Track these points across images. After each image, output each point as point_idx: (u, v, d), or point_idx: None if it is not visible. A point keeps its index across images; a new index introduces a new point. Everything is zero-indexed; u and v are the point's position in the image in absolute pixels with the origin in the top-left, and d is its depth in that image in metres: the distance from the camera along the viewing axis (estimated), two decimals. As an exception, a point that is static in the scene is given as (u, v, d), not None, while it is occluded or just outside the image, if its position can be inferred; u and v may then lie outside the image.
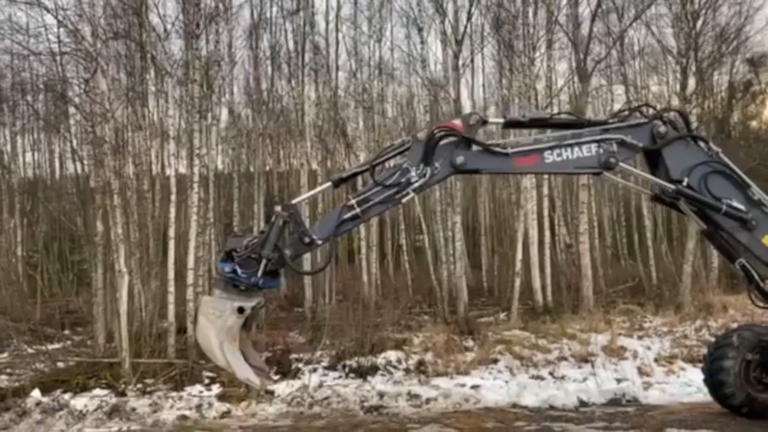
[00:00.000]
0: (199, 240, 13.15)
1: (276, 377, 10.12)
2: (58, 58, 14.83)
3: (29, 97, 21.12)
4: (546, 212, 17.04)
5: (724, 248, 6.98)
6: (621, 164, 6.42)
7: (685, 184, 6.45)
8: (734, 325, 9.40)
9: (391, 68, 24.15)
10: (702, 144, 6.73)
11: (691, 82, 18.02)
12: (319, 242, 6.08)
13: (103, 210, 12.20)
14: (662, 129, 6.48)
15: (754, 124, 28.71)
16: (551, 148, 6.30)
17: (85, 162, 14.60)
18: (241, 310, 5.73)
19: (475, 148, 6.23)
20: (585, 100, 18.23)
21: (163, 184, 16.80)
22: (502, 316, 15.05)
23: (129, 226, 12.62)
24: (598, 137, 6.34)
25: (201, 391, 9.22)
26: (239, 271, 5.83)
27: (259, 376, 6.07)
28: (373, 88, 21.77)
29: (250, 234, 7.29)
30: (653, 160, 6.71)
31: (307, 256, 13.23)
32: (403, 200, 6.30)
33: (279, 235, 5.91)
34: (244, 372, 5.74)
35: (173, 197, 12.97)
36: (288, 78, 19.94)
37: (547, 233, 17.37)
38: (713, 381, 7.65)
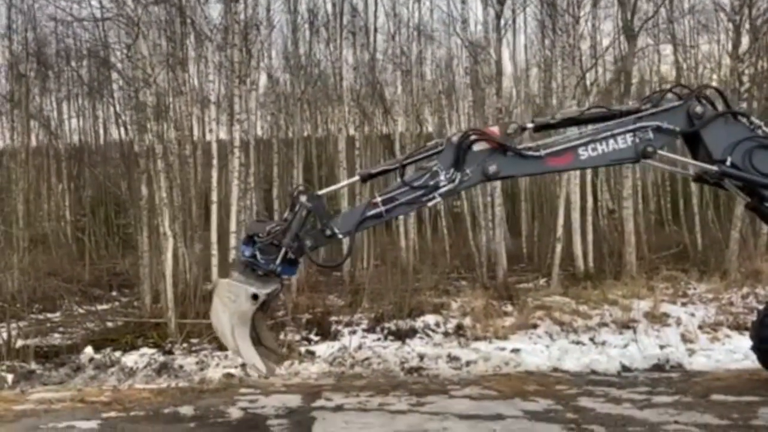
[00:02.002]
0: (240, 204, 13.36)
1: (316, 338, 10.37)
2: (100, 24, 15.02)
3: (73, 63, 21.50)
4: (588, 177, 16.70)
5: None
6: (660, 151, 6.21)
7: (728, 163, 6.19)
8: (784, 292, 9.14)
9: (430, 29, 23.74)
10: (743, 119, 6.41)
11: (745, 41, 17.24)
12: (341, 236, 6.11)
13: (147, 174, 12.46)
14: (699, 109, 6.20)
15: (810, 84, 27.33)
16: (585, 143, 6.12)
17: (129, 127, 14.88)
18: (255, 297, 5.82)
19: (509, 154, 6.07)
20: (631, 61, 17.61)
21: (204, 149, 17.05)
22: (541, 282, 14.94)
23: (172, 190, 12.88)
24: (632, 126, 6.13)
25: (240, 358, 9.41)
26: (259, 256, 5.94)
27: (269, 360, 6.22)
28: (411, 51, 21.48)
29: (273, 220, 7.36)
30: (693, 142, 6.44)
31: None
32: (429, 204, 6.24)
33: (301, 225, 5.98)
34: (251, 358, 5.88)
35: (215, 162, 13.17)
36: (326, 42, 19.81)
37: (590, 198, 17.08)
38: (762, 348, 7.47)
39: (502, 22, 17.24)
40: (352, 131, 19.50)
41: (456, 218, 21.35)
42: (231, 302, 5.85)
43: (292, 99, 20.70)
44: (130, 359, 9.17)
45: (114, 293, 15.12)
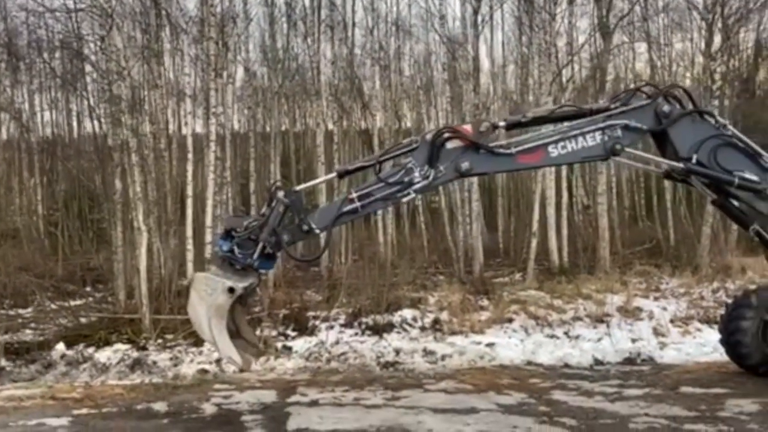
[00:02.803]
0: (216, 199, 13.25)
1: (293, 333, 10.35)
2: (73, 15, 14.75)
3: (45, 55, 21.10)
4: (564, 173, 16.86)
5: (735, 216, 6.98)
6: (628, 149, 6.32)
7: (694, 161, 6.34)
8: (753, 287, 9.31)
9: (408, 25, 23.75)
10: (709, 118, 6.57)
11: (717, 40, 17.53)
12: (317, 231, 6.20)
13: (122, 168, 12.30)
14: (666, 108, 6.34)
15: (780, 83, 27.92)
16: (555, 141, 6.23)
17: (103, 120, 14.66)
18: (231, 290, 5.89)
19: (481, 151, 6.17)
20: (606, 58, 17.82)
21: (179, 143, 16.87)
22: (517, 276, 15.09)
23: (147, 184, 12.73)
24: (601, 125, 6.24)
25: (217, 351, 9.36)
26: (237, 250, 6.00)
27: (248, 353, 6.28)
28: (389, 46, 21.48)
29: (250, 215, 7.47)
30: (661, 140, 6.58)
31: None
32: (404, 200, 6.36)
33: (278, 220, 6.05)
34: (227, 350, 5.91)
35: (190, 156, 13.07)
36: (304, 36, 19.69)
37: (565, 194, 17.27)
38: (730, 341, 7.62)
39: (480, 18, 17.32)
40: (330, 126, 19.47)
41: (434, 213, 21.45)
42: (208, 295, 5.89)
43: (269, 93, 20.57)
44: (103, 355, 9.08)
45: (87, 289, 14.92)
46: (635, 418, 5.89)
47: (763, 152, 6.55)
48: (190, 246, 12.23)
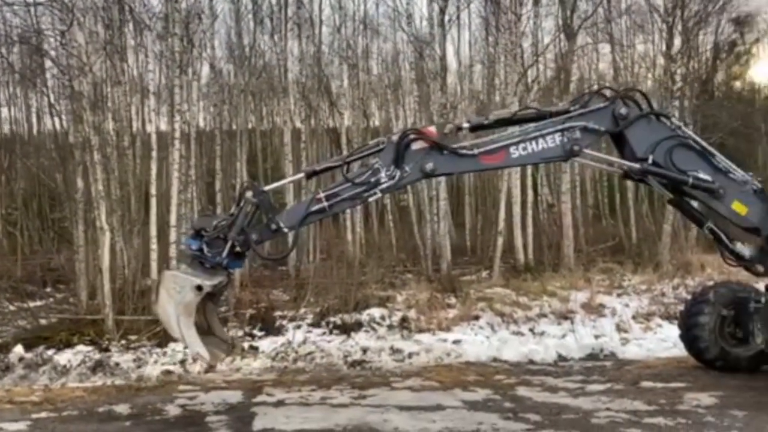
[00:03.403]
0: (181, 197, 13.07)
1: (260, 333, 10.26)
2: (32, 9, 14.37)
3: (3, 50, 20.46)
4: (529, 172, 17.06)
5: (691, 215, 7.26)
6: (586, 150, 6.47)
7: (650, 161, 6.51)
8: (711, 284, 9.58)
9: (376, 23, 23.73)
10: (664, 120, 6.76)
11: (677, 42, 17.94)
12: (286, 230, 6.30)
13: (83, 166, 12.03)
14: (623, 110, 6.51)
15: (737, 84, 28.76)
16: (516, 142, 6.37)
17: (64, 117, 14.30)
18: (200, 288, 5.92)
19: (445, 152, 6.29)
20: (570, 58, 18.08)
21: (143, 140, 16.56)
22: (484, 274, 15.20)
23: (110, 182, 12.46)
24: (560, 126, 6.39)
25: (185, 347, 9.24)
26: (206, 249, 6.05)
27: (219, 350, 6.30)
28: (357, 44, 21.43)
29: (220, 215, 7.48)
30: (619, 141, 6.76)
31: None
32: (370, 199, 6.45)
33: (247, 220, 6.11)
34: (195, 347, 5.93)
35: (154, 154, 12.82)
36: (270, 33, 19.52)
37: (530, 193, 17.47)
38: (689, 336, 7.87)
39: (447, 18, 17.40)
40: (298, 124, 19.30)
41: (402, 212, 21.47)
42: (176, 293, 5.92)
43: (236, 90, 20.31)
44: (63, 357, 8.84)
45: (48, 289, 14.56)
46: (597, 413, 6.02)
47: (716, 152, 6.75)
48: (154, 245, 12.00)
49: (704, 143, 6.84)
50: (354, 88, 21.00)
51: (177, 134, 12.73)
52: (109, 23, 15.04)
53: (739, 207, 6.61)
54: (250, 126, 23.52)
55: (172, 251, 11.94)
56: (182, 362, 8.43)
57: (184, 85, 13.78)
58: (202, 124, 22.94)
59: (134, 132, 17.67)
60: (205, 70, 20.27)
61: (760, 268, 6.97)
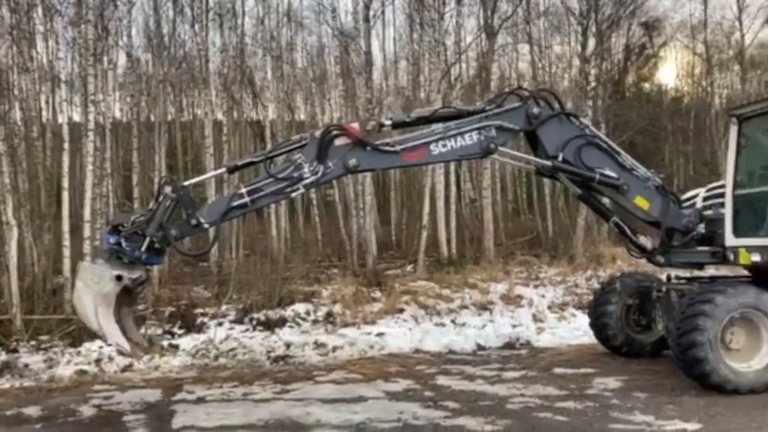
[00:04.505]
0: (95, 192, 12.52)
1: (180, 332, 10.01)
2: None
3: None
4: (452, 168, 17.44)
5: (598, 209, 7.71)
6: (501, 148, 6.74)
7: (560, 159, 6.87)
8: (618, 274, 10.13)
9: (300, 16, 23.54)
10: (574, 119, 7.16)
11: (591, 44, 18.79)
12: (206, 225, 6.25)
13: (-13, 158, 11.33)
14: (535, 110, 6.84)
15: (646, 85, 30.36)
16: (436, 140, 6.57)
17: (-35, 105, 13.40)
18: (119, 278, 5.83)
19: (367, 149, 6.40)
20: (491, 58, 18.59)
21: (54, 131, 15.78)
22: (408, 268, 15.44)
23: (17, 175, 11.82)
24: (477, 125, 6.64)
25: (101, 347, 8.91)
26: (124, 243, 5.94)
27: (134, 347, 6.16)
28: (281, 37, 21.19)
29: (138, 210, 7.29)
30: (532, 139, 7.10)
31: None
32: (293, 195, 6.50)
33: (166, 215, 6.03)
34: (114, 337, 5.81)
35: (66, 146, 12.25)
36: (191, 22, 18.98)
37: (453, 188, 17.87)
38: (597, 324, 8.32)
39: (371, 13, 17.48)
40: (219, 116, 18.90)
41: (329, 207, 21.45)
42: (95, 284, 5.79)
43: (154, 80, 19.65)
44: (-34, 360, 8.34)
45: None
46: (512, 399, 6.29)
47: (621, 151, 7.18)
48: (67, 242, 11.47)
49: (610, 142, 7.27)
50: (278, 81, 20.76)
51: (91, 125, 12.18)
52: (16, 7, 14.19)
53: (641, 202, 7.05)
54: (169, 118, 22.84)
55: (87, 247, 11.44)
56: (97, 361, 8.12)
57: (98, 74, 13.20)
58: (118, 115, 22.06)
59: (44, 122, 16.80)
60: (122, 59, 19.49)
61: (661, 259, 7.46)
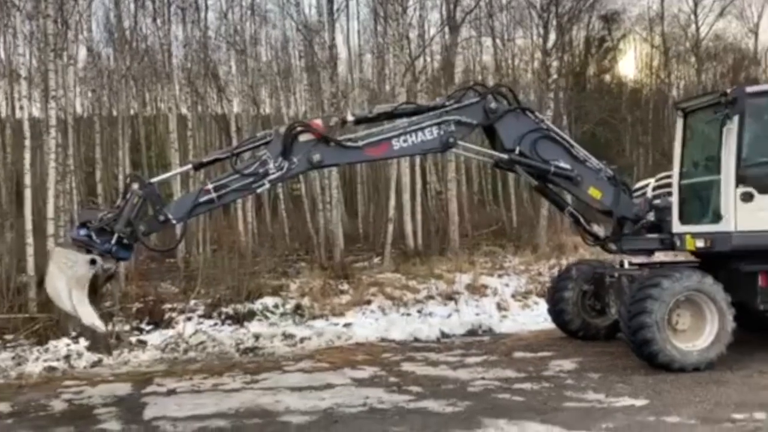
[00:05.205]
0: (58, 188, 12.40)
1: (148, 327, 10.06)
2: None
3: None
4: (418, 161, 17.67)
5: (554, 200, 8.10)
6: (461, 142, 7.01)
7: (517, 152, 7.18)
8: (574, 262, 10.50)
9: (264, 10, 23.46)
10: (530, 114, 7.46)
11: (552, 37, 19.18)
12: (174, 221, 6.38)
13: (-55, 156, 11.16)
14: (493, 105, 7.13)
15: (606, 78, 31.01)
16: (398, 135, 6.80)
17: None
18: (93, 261, 5.90)
19: (331, 144, 6.58)
20: (454, 51, 18.85)
21: (14, 128, 15.53)
22: (375, 260, 15.65)
23: (-24, 173, 11.66)
24: (437, 120, 6.91)
25: (68, 344, 8.93)
26: (94, 236, 6.02)
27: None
28: (245, 31, 21.10)
29: (103, 207, 7.36)
30: (490, 133, 7.39)
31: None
32: (259, 190, 6.67)
33: (134, 212, 6.13)
34: (89, 317, 5.88)
35: (27, 143, 12.10)
36: (153, 16, 18.79)
37: (419, 181, 18.11)
38: (555, 310, 8.69)
39: (335, 6, 17.55)
40: (183, 110, 18.81)
41: (296, 201, 21.51)
42: (68, 268, 5.85)
43: (116, 75, 19.42)
44: (-70, 361, 8.27)
45: None
46: (473, 382, 6.58)
47: (575, 144, 7.52)
48: (30, 240, 11.37)
49: (565, 135, 7.61)
50: (243, 75, 20.70)
51: (53, 121, 12.06)
52: (-29, 1, 13.95)
53: (594, 192, 7.41)
54: (132, 112, 22.59)
55: (50, 245, 11.35)
56: (66, 358, 8.15)
57: (59, 69, 13.04)
58: (79, 110, 21.73)
59: (4, 119, 16.52)
60: (83, 53, 19.20)
61: (614, 247, 7.85)
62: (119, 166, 17.99)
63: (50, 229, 11.41)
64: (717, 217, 6.93)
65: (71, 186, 14.81)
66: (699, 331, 6.76)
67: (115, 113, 20.20)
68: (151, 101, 26.15)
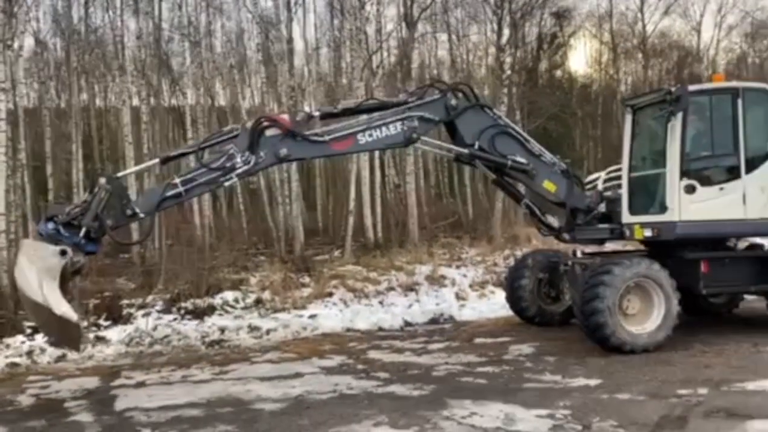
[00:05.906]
0: (9, 183, 12.10)
1: (106, 323, 9.94)
2: None
3: None
4: (377, 155, 17.86)
5: (511, 192, 8.45)
6: (423, 137, 7.27)
7: (476, 147, 7.47)
8: (529, 251, 10.90)
9: (218, 1, 23.16)
10: (488, 110, 7.77)
11: (506, 33, 19.60)
12: (141, 215, 6.43)
13: None
14: (453, 102, 7.42)
15: (558, 73, 31.77)
16: (363, 130, 7.01)
17: None
18: (63, 252, 5.90)
19: (297, 139, 6.72)
20: (411, 46, 19.07)
21: (-40, 121, 14.94)
22: (336, 253, 15.77)
23: None
24: (400, 116, 7.14)
25: (23, 342, 8.79)
26: (62, 230, 6.03)
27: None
28: (200, 22, 20.85)
29: (72, 204, 7.33)
30: (451, 129, 7.66)
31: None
32: (226, 184, 6.77)
33: (101, 206, 6.15)
34: (61, 306, 5.84)
35: (-25, 136, 11.75)
36: (105, 7, 18.41)
37: (378, 174, 18.30)
38: (513, 297, 9.05)
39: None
40: (136, 102, 18.47)
41: (253, 195, 21.40)
42: (39, 259, 5.84)
43: (65, 67, 18.94)
44: None
45: None
46: (438, 367, 6.85)
47: (530, 139, 7.86)
48: (-20, 235, 11.06)
49: (521, 130, 7.95)
50: (197, 67, 20.45)
51: (2, 114, 11.74)
52: None
53: (549, 185, 7.76)
54: (83, 105, 22.05)
55: (2, 241, 11.08)
56: (29, 353, 8.05)
57: (7, 60, 12.67)
58: (25, 102, 21.09)
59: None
60: (28, 43, 18.66)
61: (567, 237, 8.24)
62: (72, 161, 17.59)
63: (1, 224, 11.15)
64: (663, 208, 7.35)
65: (23, 180, 14.47)
66: (648, 315, 7.17)
67: (63, 106, 19.69)
68: (100, 93, 25.56)
